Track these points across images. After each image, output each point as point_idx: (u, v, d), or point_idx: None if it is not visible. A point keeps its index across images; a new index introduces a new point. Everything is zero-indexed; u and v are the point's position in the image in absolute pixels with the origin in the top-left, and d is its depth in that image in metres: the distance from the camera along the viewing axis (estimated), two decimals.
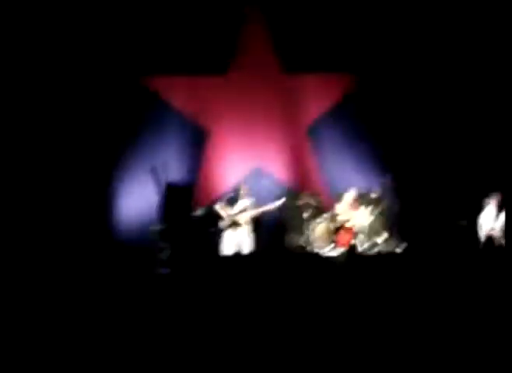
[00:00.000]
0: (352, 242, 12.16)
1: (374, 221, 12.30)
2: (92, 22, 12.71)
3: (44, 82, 12.55)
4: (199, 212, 12.00)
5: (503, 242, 11.39)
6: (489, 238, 11.68)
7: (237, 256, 10.68)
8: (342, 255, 11.76)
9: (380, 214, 12.36)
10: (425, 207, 12.84)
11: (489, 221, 11.76)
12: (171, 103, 13.23)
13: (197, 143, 13.24)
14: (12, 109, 12.32)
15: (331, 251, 11.95)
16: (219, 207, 11.98)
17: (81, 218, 12.34)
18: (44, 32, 12.46)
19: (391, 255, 11.48)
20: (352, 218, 12.30)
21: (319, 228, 12.21)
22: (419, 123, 13.25)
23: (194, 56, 13.16)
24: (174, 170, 12.73)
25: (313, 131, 13.50)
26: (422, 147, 13.23)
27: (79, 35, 12.67)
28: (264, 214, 12.11)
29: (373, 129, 13.29)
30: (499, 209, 11.71)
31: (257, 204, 12.07)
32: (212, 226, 11.74)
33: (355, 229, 12.24)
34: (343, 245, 12.08)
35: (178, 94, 13.26)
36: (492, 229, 11.70)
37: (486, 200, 11.87)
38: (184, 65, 13.17)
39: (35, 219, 12.07)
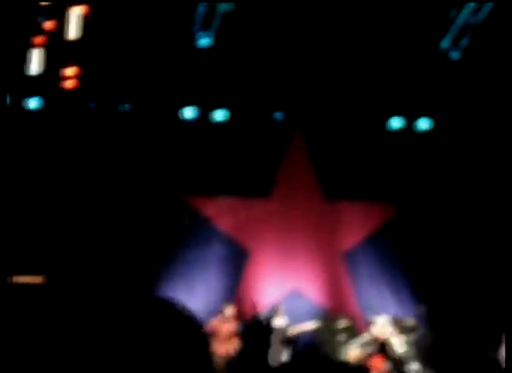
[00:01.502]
0: (386, 368, 12.22)
1: (408, 349, 12.39)
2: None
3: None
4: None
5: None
6: None
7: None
8: None
9: (414, 343, 12.47)
10: (457, 339, 12.94)
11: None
12: (214, 222, 13.59)
13: (238, 262, 13.57)
14: None
15: None
16: None
17: None
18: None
19: None
20: (386, 344, 12.40)
21: (353, 352, 12.30)
22: (455, 255, 13.54)
23: (239, 179, 13.62)
24: (215, 287, 13.05)
25: (351, 257, 13.80)
26: (456, 279, 13.46)
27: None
28: (299, 335, 12.37)
29: (410, 259, 13.60)
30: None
31: (293, 325, 12.34)
32: None
33: (388, 355, 12.32)
34: (377, 370, 12.13)
35: (221, 214, 13.65)
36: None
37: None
38: (228, 187, 13.61)
39: None
